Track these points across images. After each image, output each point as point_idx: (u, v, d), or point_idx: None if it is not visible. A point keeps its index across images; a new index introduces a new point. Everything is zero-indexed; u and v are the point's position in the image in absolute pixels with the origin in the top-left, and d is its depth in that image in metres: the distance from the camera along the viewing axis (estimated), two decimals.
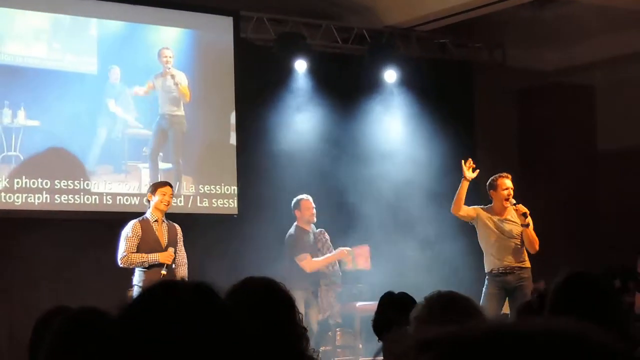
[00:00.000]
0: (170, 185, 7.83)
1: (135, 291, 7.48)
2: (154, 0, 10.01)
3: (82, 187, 9.37)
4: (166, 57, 9.92)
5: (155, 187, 7.74)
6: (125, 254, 7.48)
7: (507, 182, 8.43)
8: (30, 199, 9.07)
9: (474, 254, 11.56)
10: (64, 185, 9.27)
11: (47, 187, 9.16)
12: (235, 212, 10.19)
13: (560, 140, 12.51)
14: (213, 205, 10.13)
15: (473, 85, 12.21)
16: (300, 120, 10.76)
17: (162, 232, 7.72)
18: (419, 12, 11.14)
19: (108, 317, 2.69)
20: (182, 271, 7.75)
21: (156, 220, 7.65)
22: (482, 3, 10.63)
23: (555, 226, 12.05)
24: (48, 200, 9.15)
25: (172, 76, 9.94)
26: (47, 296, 8.65)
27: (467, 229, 11.45)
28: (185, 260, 7.84)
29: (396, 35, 11.49)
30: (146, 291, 1.75)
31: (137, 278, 7.56)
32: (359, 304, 10.23)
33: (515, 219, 8.35)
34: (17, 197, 9.03)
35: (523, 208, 8.31)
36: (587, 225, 12.21)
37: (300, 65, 10.73)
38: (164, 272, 7.43)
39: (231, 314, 1.72)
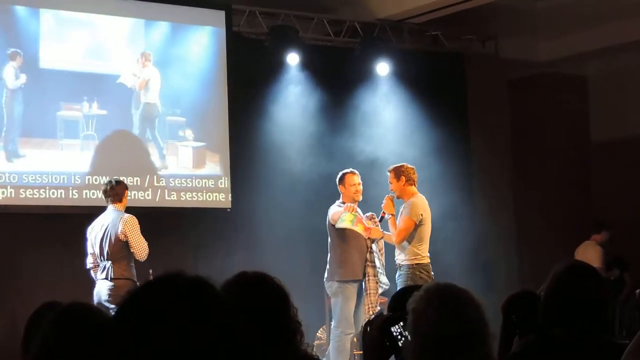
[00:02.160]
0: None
1: (132, 285, 7.67)
2: None
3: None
4: (145, 59, 9.96)
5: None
6: (147, 248, 7.98)
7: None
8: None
9: (471, 248, 11.59)
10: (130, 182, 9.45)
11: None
12: (229, 205, 10.17)
13: (553, 131, 12.52)
14: (207, 199, 10.11)
15: (466, 76, 12.19)
16: (293, 113, 10.74)
17: None
18: (410, 4, 11.12)
19: (99, 311, 2.67)
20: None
21: None
22: None
23: (548, 217, 12.07)
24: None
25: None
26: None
27: (459, 222, 11.49)
28: None
29: (388, 28, 11.47)
30: (142, 286, 1.74)
31: (130, 271, 7.99)
32: None
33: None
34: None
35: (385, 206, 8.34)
36: (579, 216, 12.22)
37: (293, 59, 10.70)
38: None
39: (227, 307, 1.71)
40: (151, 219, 8.94)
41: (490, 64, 12.22)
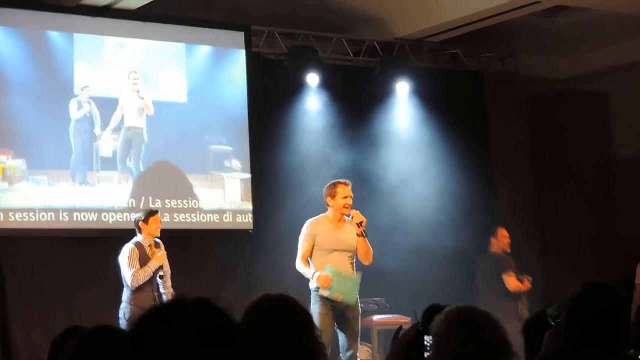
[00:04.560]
0: (158, 212, 8.45)
1: (124, 308, 8.06)
2: (167, 18, 10.02)
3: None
4: (135, 79, 9.99)
5: (148, 215, 8.26)
6: (133, 273, 8.04)
7: (346, 190, 7.80)
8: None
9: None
10: (174, 205, 9.80)
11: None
12: (251, 227, 10.18)
13: (574, 148, 12.46)
14: (229, 221, 10.12)
15: (485, 94, 12.17)
16: (314, 134, 10.75)
17: (154, 253, 8.31)
18: (429, 23, 11.12)
19: (122, 334, 2.68)
20: (169, 282, 8.30)
21: (149, 245, 8.25)
22: (493, 13, 10.61)
23: (571, 234, 12.00)
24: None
25: (137, 92, 9.99)
26: None
27: (481, 239, 11.45)
28: (169, 270, 8.34)
29: (407, 47, 11.49)
30: (154, 309, 1.76)
31: (129, 296, 8.11)
32: (375, 317, 10.20)
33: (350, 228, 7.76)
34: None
35: (359, 216, 7.73)
36: (603, 233, 12.14)
37: (312, 79, 10.72)
38: (161, 272, 8.15)
39: (239, 329, 1.74)
40: (174, 241, 8.98)
41: (510, 81, 12.21)
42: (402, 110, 11.35)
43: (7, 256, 9.14)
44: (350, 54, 11.22)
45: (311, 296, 7.69)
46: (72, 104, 9.61)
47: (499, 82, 12.21)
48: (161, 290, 8.20)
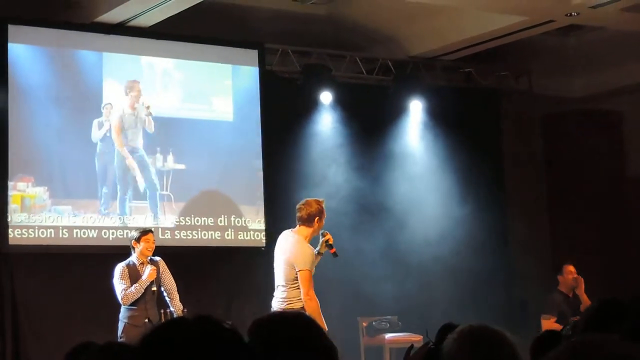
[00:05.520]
0: (152, 232, 8.41)
1: (120, 326, 8.15)
2: (180, 36, 10.05)
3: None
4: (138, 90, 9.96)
5: (140, 235, 8.28)
6: (123, 291, 8.12)
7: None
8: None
9: (502, 284, 11.51)
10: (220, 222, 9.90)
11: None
12: (263, 244, 10.16)
13: (588, 167, 12.42)
14: (240, 238, 10.12)
15: (499, 113, 12.16)
16: (327, 151, 10.75)
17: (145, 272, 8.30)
18: (443, 41, 11.13)
19: (133, 351, 2.68)
20: (176, 298, 8.30)
21: (142, 263, 8.27)
22: (507, 31, 10.62)
23: (585, 254, 11.95)
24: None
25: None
26: None
27: (494, 258, 11.41)
28: (175, 286, 8.34)
29: (421, 65, 11.49)
30: (161, 326, 1.78)
31: (123, 314, 8.18)
32: (387, 336, 10.17)
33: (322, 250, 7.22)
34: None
35: (329, 238, 7.21)
36: (616, 252, 12.08)
37: (326, 97, 10.73)
38: (154, 288, 8.16)
39: (243, 345, 1.75)
40: (185, 258, 8.98)
41: (524, 100, 12.19)
42: (416, 128, 11.35)
43: (19, 272, 9.15)
44: (364, 72, 11.23)
45: None
46: (94, 125, 9.58)
47: (512, 101, 12.20)
48: (171, 308, 8.21)
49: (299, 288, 6.92)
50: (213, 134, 10.15)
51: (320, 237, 7.22)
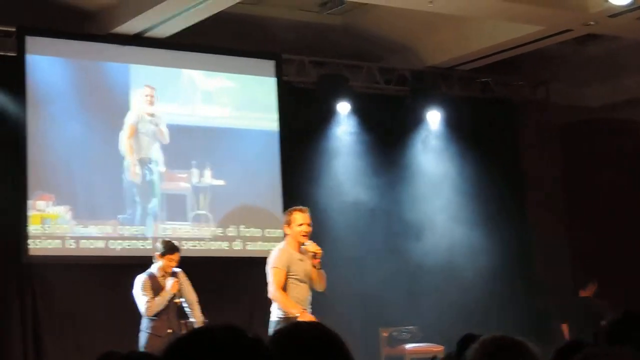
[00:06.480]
0: (179, 251, 8.27)
1: (142, 337, 8.11)
2: (199, 46, 10.07)
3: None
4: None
5: (165, 252, 8.20)
6: (147, 302, 8.09)
7: (303, 217, 7.19)
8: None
9: (523, 294, 11.45)
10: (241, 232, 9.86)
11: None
12: None
13: (607, 176, 12.36)
14: (260, 248, 10.10)
15: (517, 123, 12.13)
16: (345, 161, 10.74)
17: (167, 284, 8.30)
18: (460, 51, 11.12)
19: None
20: (197, 310, 8.27)
21: (162, 276, 8.25)
22: (524, 41, 10.60)
23: (606, 263, 11.88)
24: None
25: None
26: None
27: (514, 269, 11.36)
28: (196, 298, 8.30)
29: (438, 75, 11.48)
30: (185, 336, 1.78)
31: (145, 324, 8.16)
32: (408, 346, 10.13)
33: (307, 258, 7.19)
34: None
35: (314, 247, 7.14)
36: (637, 263, 12.00)
37: (343, 107, 10.74)
38: (176, 300, 8.12)
39: (267, 355, 1.74)
40: (205, 268, 8.99)
41: (542, 110, 12.16)
42: (433, 138, 11.33)
43: (41, 282, 9.16)
44: (381, 82, 11.23)
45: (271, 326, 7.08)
46: (121, 137, 9.52)
47: (530, 111, 12.16)
48: (191, 319, 8.21)
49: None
50: (233, 143, 10.14)
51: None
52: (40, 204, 8.97)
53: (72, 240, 9.17)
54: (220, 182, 9.92)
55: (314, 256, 7.11)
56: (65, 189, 9.13)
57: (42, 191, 9.00)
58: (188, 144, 9.92)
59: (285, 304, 6.99)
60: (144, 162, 9.71)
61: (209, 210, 9.81)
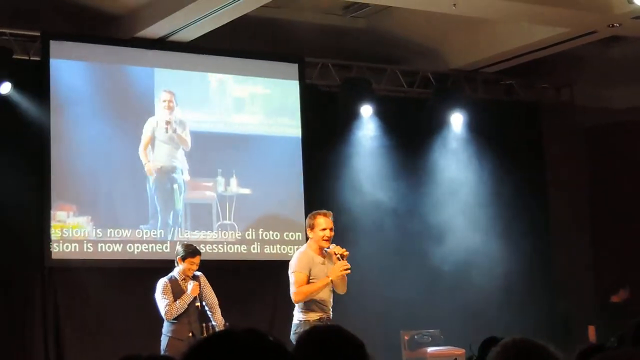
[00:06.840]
0: (200, 254, 8.28)
1: (163, 340, 8.14)
2: (222, 50, 10.09)
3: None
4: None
5: (186, 256, 8.20)
6: (167, 306, 8.12)
7: (326, 222, 7.17)
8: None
9: (545, 298, 11.40)
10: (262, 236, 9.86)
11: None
12: None
13: (632, 179, 12.29)
14: (282, 252, 10.11)
15: (541, 125, 12.07)
16: (368, 164, 10.74)
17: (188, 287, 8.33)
18: (483, 54, 11.09)
19: None
20: (218, 313, 8.28)
21: (184, 279, 8.26)
22: (548, 43, 10.55)
23: (629, 267, 11.80)
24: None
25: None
26: None
27: (535, 273, 11.31)
28: (217, 301, 8.32)
29: (462, 78, 11.45)
30: (207, 339, 1.79)
31: (166, 328, 8.19)
32: (429, 349, 10.10)
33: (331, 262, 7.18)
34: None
35: (340, 249, 7.13)
36: None
37: (366, 110, 10.73)
38: (197, 303, 8.15)
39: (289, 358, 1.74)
40: (227, 271, 9.00)
41: (566, 112, 12.10)
42: (457, 141, 11.29)
43: (62, 285, 9.21)
44: (404, 85, 11.21)
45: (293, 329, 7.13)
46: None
47: (555, 113, 12.10)
48: (212, 322, 8.23)
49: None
50: (258, 150, 10.15)
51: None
52: (60, 214, 9.00)
53: (90, 244, 9.21)
54: (247, 191, 9.91)
55: (341, 257, 7.08)
56: (87, 197, 9.14)
57: (64, 201, 9.02)
58: (214, 151, 9.92)
59: (311, 288, 7.03)
60: (166, 171, 9.70)
61: (234, 219, 9.80)
